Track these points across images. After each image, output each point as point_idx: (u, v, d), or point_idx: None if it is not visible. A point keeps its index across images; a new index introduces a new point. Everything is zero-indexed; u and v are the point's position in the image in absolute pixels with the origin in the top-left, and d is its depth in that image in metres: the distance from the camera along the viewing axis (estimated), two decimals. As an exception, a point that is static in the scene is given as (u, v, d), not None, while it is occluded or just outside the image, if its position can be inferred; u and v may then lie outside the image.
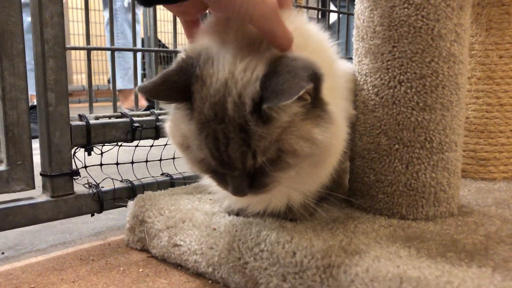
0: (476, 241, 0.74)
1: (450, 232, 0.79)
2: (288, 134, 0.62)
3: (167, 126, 0.72)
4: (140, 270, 0.88)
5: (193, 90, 0.63)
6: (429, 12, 0.81)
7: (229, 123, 0.60)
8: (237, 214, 0.87)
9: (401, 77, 0.83)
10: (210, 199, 0.99)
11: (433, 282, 0.60)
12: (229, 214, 0.87)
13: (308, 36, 0.76)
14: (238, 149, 0.61)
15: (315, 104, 0.64)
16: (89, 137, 1.02)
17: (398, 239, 0.75)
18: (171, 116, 0.71)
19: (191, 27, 0.71)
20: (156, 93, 0.65)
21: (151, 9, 1.26)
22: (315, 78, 0.61)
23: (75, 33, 5.11)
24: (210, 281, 0.83)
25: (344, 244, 0.72)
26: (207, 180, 0.87)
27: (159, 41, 6.10)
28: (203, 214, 0.88)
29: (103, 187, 1.08)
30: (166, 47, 5.72)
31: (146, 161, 1.20)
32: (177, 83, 0.64)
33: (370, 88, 0.87)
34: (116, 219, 1.23)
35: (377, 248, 0.71)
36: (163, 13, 5.05)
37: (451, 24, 0.82)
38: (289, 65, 0.61)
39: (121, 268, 0.88)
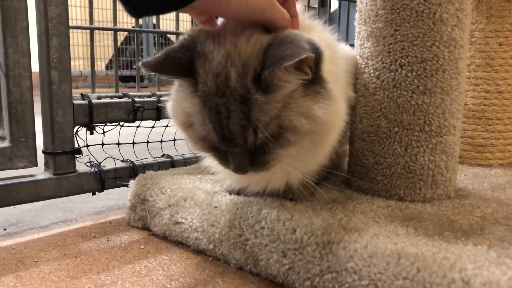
0: (472, 222, 0.76)
1: (447, 213, 0.80)
2: (288, 110, 0.63)
3: (169, 105, 0.73)
4: (142, 247, 0.89)
5: (197, 65, 0.64)
6: (432, -4, 0.82)
7: (231, 96, 0.61)
8: (238, 193, 0.88)
9: (402, 60, 0.84)
10: (211, 179, 1.00)
11: (430, 258, 0.61)
12: (230, 193, 0.89)
13: (306, 24, 0.78)
14: (238, 122, 0.61)
15: (314, 81, 0.65)
16: (91, 116, 1.02)
17: (396, 219, 0.77)
18: (173, 95, 0.72)
19: (207, 26, 0.71)
20: (159, 68, 0.65)
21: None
22: (316, 52, 0.62)
23: (75, 18, 5.06)
24: (210, 258, 0.84)
25: (343, 222, 0.74)
26: (208, 161, 0.88)
27: (154, 26, 6.05)
28: (204, 193, 0.89)
29: (104, 166, 1.09)
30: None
31: (147, 142, 1.21)
32: (179, 59, 0.64)
33: (371, 71, 0.88)
34: (116, 199, 1.24)
35: (375, 226, 0.73)
36: None
37: (453, 8, 0.83)
38: (291, 37, 0.62)
39: (123, 245, 0.90)
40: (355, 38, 0.94)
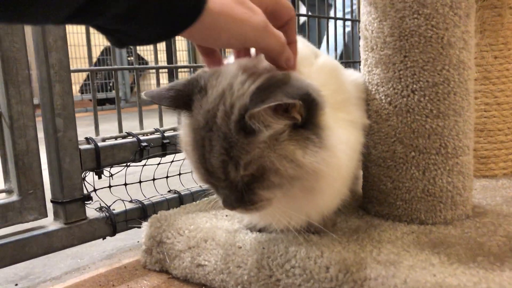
0: (499, 243, 0.77)
1: (472, 235, 0.81)
2: (271, 152, 0.62)
3: (180, 133, 0.73)
4: (165, 293, 0.87)
5: (194, 99, 0.66)
6: (438, 22, 0.83)
7: (216, 131, 0.62)
8: (259, 230, 0.87)
9: (414, 86, 0.85)
10: (227, 215, 0.98)
11: (474, 290, 0.61)
12: (251, 231, 0.87)
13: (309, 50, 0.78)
14: (218, 157, 0.62)
15: (307, 126, 0.64)
16: (99, 160, 1.00)
17: (424, 246, 0.77)
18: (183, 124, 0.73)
19: (208, 55, 0.70)
20: (160, 98, 0.68)
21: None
22: (308, 100, 0.61)
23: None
24: (239, 300, 0.82)
25: (375, 255, 0.73)
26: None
27: (142, 58, 6.03)
28: (225, 232, 0.88)
29: (114, 209, 1.06)
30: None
31: (154, 179, 1.19)
32: (181, 91, 0.67)
33: (382, 97, 0.89)
34: (124, 239, 1.21)
35: (407, 256, 0.73)
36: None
37: (459, 32, 0.84)
38: (283, 81, 0.62)
39: (145, 292, 0.87)
40: (362, 64, 0.94)
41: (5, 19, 0.44)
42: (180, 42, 6.28)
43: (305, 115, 0.63)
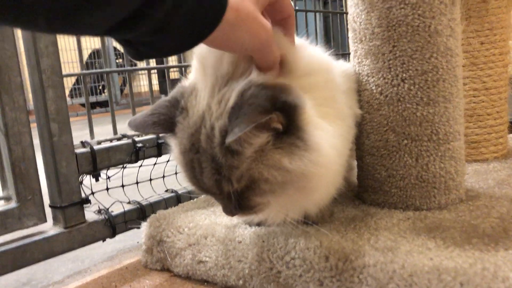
0: (493, 224, 0.78)
1: (466, 218, 0.83)
2: (258, 163, 0.64)
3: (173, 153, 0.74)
4: (168, 290, 0.88)
5: (177, 121, 0.67)
6: (425, 10, 0.84)
7: (203, 154, 0.64)
8: (258, 225, 0.88)
9: (404, 75, 0.86)
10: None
11: (470, 271, 0.63)
12: (250, 226, 0.89)
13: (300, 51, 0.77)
14: (211, 178, 0.64)
15: (290, 131, 0.64)
16: (95, 163, 1.01)
17: (420, 231, 0.78)
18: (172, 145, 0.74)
19: None
20: (144, 127, 0.69)
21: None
22: (285, 107, 0.61)
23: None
24: (241, 293, 0.84)
25: (372, 242, 0.75)
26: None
27: (117, 50, 6.00)
28: (224, 228, 0.89)
29: (112, 211, 1.07)
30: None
31: (150, 180, 1.20)
32: (164, 115, 0.68)
33: (373, 87, 0.90)
34: (123, 240, 1.21)
35: (404, 242, 0.74)
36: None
37: (446, 19, 0.86)
38: (254, 95, 0.61)
39: (148, 291, 0.88)
40: (352, 56, 0.96)
41: (58, 29, 0.44)
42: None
43: (285, 121, 0.63)
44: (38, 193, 0.94)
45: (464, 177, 0.94)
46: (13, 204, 0.91)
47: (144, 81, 6.13)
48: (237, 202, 0.67)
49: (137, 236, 1.18)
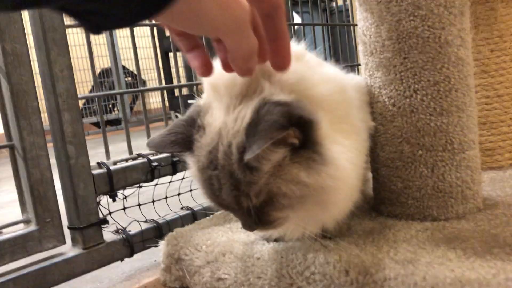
0: (513, 233, 0.78)
1: (485, 227, 0.82)
2: (276, 178, 0.64)
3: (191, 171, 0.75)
4: (188, 309, 0.88)
5: (194, 139, 0.68)
6: (434, 22, 0.85)
7: (221, 170, 0.64)
8: (276, 240, 0.88)
9: (416, 86, 0.87)
10: (241, 227, 0.99)
11: (493, 281, 0.63)
12: (268, 241, 0.89)
13: (311, 67, 0.76)
14: (230, 194, 0.65)
15: (306, 145, 0.65)
16: (112, 184, 1.02)
17: (440, 242, 0.78)
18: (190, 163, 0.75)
19: (191, 50, 0.61)
20: (162, 146, 0.70)
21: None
22: (301, 122, 0.62)
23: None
24: (262, 310, 0.83)
25: (392, 255, 0.74)
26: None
27: (126, 68, 6.07)
28: (242, 245, 0.89)
29: (130, 231, 1.08)
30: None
31: (166, 198, 1.20)
32: (181, 134, 0.69)
33: (386, 99, 0.90)
34: (141, 259, 1.22)
35: (424, 253, 0.74)
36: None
37: (456, 30, 0.86)
38: (270, 112, 0.61)
39: (168, 310, 0.88)
40: (363, 69, 0.96)
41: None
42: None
43: (302, 136, 0.64)
44: (57, 215, 0.95)
45: (480, 185, 0.94)
46: (32, 227, 0.92)
47: (153, 98, 6.18)
48: (257, 217, 0.68)
49: (154, 255, 1.18)
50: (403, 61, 0.87)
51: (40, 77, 0.95)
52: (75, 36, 3.67)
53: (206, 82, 0.73)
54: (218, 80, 0.69)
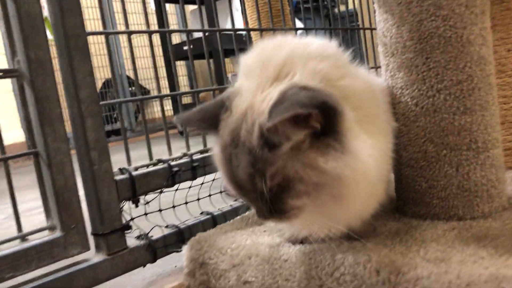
0: (543, 231, 0.77)
1: (513, 225, 0.82)
2: (293, 161, 0.65)
3: (214, 151, 0.76)
4: (215, 313, 0.88)
5: (221, 118, 0.70)
6: (456, 21, 0.85)
7: (241, 148, 0.65)
8: (301, 242, 0.88)
9: (439, 85, 0.87)
10: (265, 231, 1.00)
11: (530, 278, 0.62)
12: (294, 244, 0.88)
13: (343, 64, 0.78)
14: (245, 171, 0.65)
15: (328, 133, 0.65)
16: (134, 189, 1.02)
17: (469, 241, 0.78)
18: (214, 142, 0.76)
19: None
20: (190, 122, 0.75)
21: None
22: (325, 107, 0.63)
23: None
24: (290, 313, 0.83)
25: (422, 254, 0.74)
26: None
27: (144, 87, 6.09)
28: (267, 247, 0.89)
29: (152, 236, 1.08)
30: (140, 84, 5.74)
31: (186, 203, 1.20)
32: (209, 113, 0.72)
33: (408, 100, 0.91)
34: (162, 265, 1.21)
35: (455, 252, 0.73)
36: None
37: (477, 29, 0.86)
38: (295, 93, 0.63)
39: (195, 315, 0.88)
40: (383, 70, 0.96)
41: None
42: (179, 68, 6.36)
43: (324, 123, 0.65)
44: (81, 221, 0.95)
45: (505, 184, 0.94)
46: (58, 234, 0.92)
47: (156, 108, 6.21)
48: (271, 205, 0.68)
49: (174, 260, 1.18)
50: (425, 61, 0.87)
51: (63, 83, 0.96)
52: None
53: (240, 65, 0.76)
54: (251, 63, 0.72)
